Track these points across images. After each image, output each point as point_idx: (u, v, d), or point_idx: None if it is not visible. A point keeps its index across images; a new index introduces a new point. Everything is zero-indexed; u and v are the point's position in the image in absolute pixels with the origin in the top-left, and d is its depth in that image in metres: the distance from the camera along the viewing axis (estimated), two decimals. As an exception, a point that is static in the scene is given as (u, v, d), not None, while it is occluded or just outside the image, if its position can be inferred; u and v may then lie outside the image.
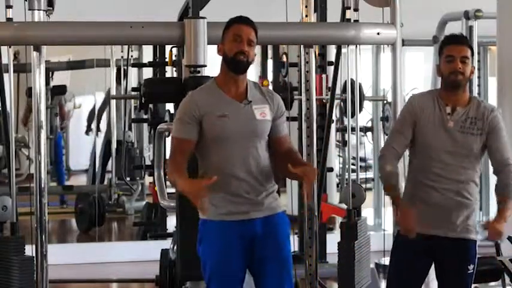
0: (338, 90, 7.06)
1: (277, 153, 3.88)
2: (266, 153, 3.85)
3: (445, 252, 4.02)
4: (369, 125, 9.82)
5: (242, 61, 3.76)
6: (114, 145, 10.04)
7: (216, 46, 3.89)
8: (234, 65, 3.77)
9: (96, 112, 10.48)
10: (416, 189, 4.05)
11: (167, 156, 5.42)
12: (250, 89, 3.86)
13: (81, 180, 11.44)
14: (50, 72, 10.33)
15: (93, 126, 10.62)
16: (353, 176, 5.11)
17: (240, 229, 3.79)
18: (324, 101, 6.96)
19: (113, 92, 9.91)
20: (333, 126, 8.44)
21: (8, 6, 4.55)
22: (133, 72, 9.74)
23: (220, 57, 3.84)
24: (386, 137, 4.16)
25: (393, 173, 4.04)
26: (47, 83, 9.68)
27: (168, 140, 5.29)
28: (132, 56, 9.41)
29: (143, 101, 4.89)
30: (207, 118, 3.76)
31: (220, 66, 3.86)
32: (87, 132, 10.74)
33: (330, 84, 6.86)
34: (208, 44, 4.59)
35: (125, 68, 9.24)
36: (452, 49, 4.00)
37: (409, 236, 3.95)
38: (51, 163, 10.39)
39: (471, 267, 4.03)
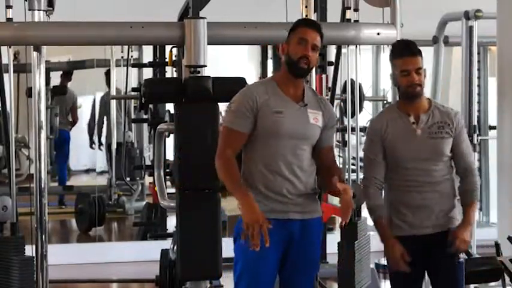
0: (338, 90, 7.06)
1: (322, 163, 3.90)
2: (311, 158, 3.87)
3: (436, 247, 4.09)
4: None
5: (303, 68, 3.80)
6: (114, 145, 10.04)
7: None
8: (296, 69, 3.81)
9: (96, 125, 10.50)
10: (397, 196, 4.13)
11: (167, 157, 5.44)
12: (306, 92, 3.89)
13: (81, 180, 11.45)
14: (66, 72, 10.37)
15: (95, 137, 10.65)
16: (353, 176, 5.11)
17: (278, 228, 3.75)
18: (324, 101, 6.95)
19: (113, 92, 9.91)
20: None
21: (8, 6, 4.55)
22: (133, 72, 9.74)
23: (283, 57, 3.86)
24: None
25: (377, 205, 4.17)
26: (47, 83, 9.67)
27: (168, 140, 5.30)
28: (132, 56, 9.41)
29: (143, 101, 4.89)
30: (262, 112, 3.77)
31: (281, 66, 3.88)
32: (91, 146, 10.74)
33: (330, 84, 6.86)
34: (208, 44, 4.59)
35: (125, 67, 9.24)
36: (406, 62, 4.03)
37: (399, 269, 4.05)
38: (51, 163, 10.39)
39: (462, 255, 4.12)
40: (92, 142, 10.71)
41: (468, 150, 4.18)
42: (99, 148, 10.56)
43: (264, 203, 3.76)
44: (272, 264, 3.81)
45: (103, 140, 10.46)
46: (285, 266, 3.86)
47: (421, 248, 4.10)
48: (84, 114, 10.92)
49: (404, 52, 4.04)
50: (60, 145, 10.60)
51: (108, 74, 10.03)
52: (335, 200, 8.88)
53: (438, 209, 4.10)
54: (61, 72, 10.58)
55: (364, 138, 4.35)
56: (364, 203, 4.25)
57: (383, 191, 4.21)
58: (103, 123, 10.40)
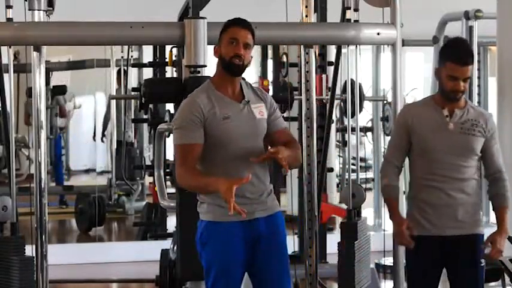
0: (338, 90, 7.05)
1: (276, 142, 3.89)
2: (264, 152, 3.86)
3: (458, 249, 4.08)
4: (369, 125, 9.83)
5: (238, 65, 3.79)
6: (114, 145, 10.05)
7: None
8: (230, 68, 3.81)
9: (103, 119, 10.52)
10: (421, 192, 4.11)
11: (167, 157, 5.44)
12: (244, 88, 3.90)
13: (81, 180, 11.45)
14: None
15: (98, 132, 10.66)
16: (353, 176, 5.11)
17: (246, 229, 3.81)
18: (324, 101, 6.96)
19: (113, 92, 9.92)
20: (333, 126, 8.44)
21: (8, 6, 4.54)
22: (133, 72, 9.75)
23: (216, 59, 3.86)
24: (387, 139, 4.23)
25: (391, 185, 4.17)
26: (47, 83, 9.68)
27: (168, 140, 5.30)
28: (132, 56, 9.41)
29: (143, 101, 4.89)
30: (210, 121, 3.77)
31: (216, 68, 3.89)
32: (102, 139, 10.74)
33: (330, 84, 6.86)
34: (208, 44, 4.59)
35: (125, 68, 9.24)
36: (456, 70, 4.01)
37: (404, 243, 4.07)
38: (51, 163, 10.40)
39: (483, 260, 4.11)
40: (103, 135, 10.70)
41: (498, 153, 4.15)
42: (102, 140, 10.56)
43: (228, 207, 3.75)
44: (242, 264, 3.84)
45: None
46: (258, 264, 3.86)
47: (442, 248, 4.07)
48: (84, 114, 10.92)
49: (458, 60, 4.00)
50: (53, 146, 10.60)
51: (119, 73, 10.00)
52: (335, 200, 8.91)
53: (463, 210, 4.06)
54: (59, 72, 10.58)
55: (364, 138, 4.36)
56: (380, 182, 4.27)
57: (404, 183, 4.22)
58: (109, 119, 10.40)
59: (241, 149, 3.79)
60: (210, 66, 4.62)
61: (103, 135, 10.61)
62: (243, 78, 3.96)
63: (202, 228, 3.86)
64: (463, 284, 4.11)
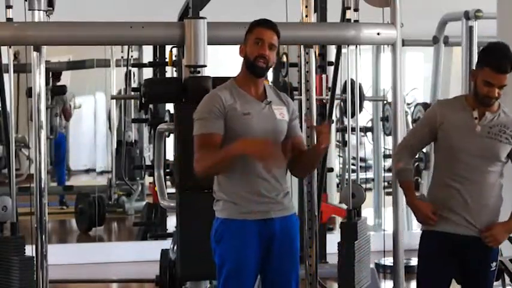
0: (338, 90, 7.06)
1: (295, 149, 3.95)
2: (283, 154, 3.90)
3: (470, 251, 4.06)
4: (369, 125, 9.83)
5: (262, 66, 3.84)
6: (114, 145, 10.05)
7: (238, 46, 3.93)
8: (254, 68, 3.84)
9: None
10: (442, 191, 4.09)
11: (167, 157, 5.44)
12: (268, 90, 3.95)
13: (81, 180, 11.46)
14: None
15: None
16: (353, 176, 5.11)
17: (261, 228, 3.83)
18: (324, 101, 6.97)
19: (113, 92, 9.92)
20: (333, 126, 8.45)
21: (8, 6, 4.54)
22: (133, 72, 9.74)
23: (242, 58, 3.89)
24: (387, 139, 4.21)
25: (407, 169, 4.17)
26: (47, 83, 9.68)
27: (168, 140, 5.30)
28: (132, 56, 9.42)
29: (143, 101, 4.88)
30: (231, 115, 3.80)
31: (241, 67, 3.92)
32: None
33: (330, 84, 6.86)
34: (208, 44, 4.58)
35: (130, 68, 9.25)
36: (494, 77, 3.95)
37: (430, 224, 4.05)
38: (51, 163, 10.40)
39: (494, 264, 4.10)
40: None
41: None
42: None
43: (244, 205, 3.81)
44: (256, 263, 3.85)
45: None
46: (271, 263, 3.88)
47: (456, 247, 4.06)
48: (84, 114, 10.92)
49: (498, 68, 3.93)
50: (56, 146, 10.58)
51: (127, 74, 9.99)
52: (335, 200, 8.90)
53: (481, 213, 4.03)
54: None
55: (364, 138, 4.37)
56: (394, 166, 4.24)
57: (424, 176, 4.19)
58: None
59: None
60: (210, 66, 4.63)
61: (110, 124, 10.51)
62: (267, 81, 3.99)
63: (218, 225, 3.86)
64: (474, 283, 4.11)
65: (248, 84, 3.89)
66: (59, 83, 10.53)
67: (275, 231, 3.86)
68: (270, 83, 8.31)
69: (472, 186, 4.03)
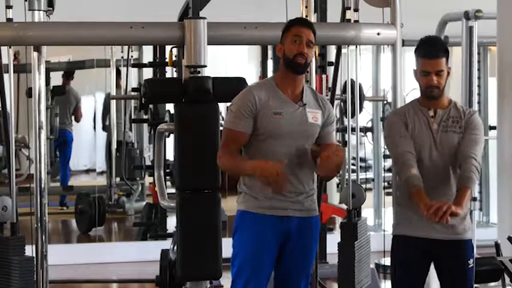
0: (338, 91, 7.05)
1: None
2: (310, 157, 3.93)
3: (445, 253, 4.07)
4: (369, 125, 9.82)
5: (300, 63, 3.88)
6: (114, 145, 10.04)
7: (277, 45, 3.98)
8: (293, 66, 3.89)
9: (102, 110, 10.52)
10: (407, 195, 4.04)
11: (167, 157, 5.44)
12: (305, 92, 3.97)
13: (81, 180, 11.44)
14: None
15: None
16: (353, 176, 5.11)
17: (277, 224, 3.87)
18: (324, 101, 6.95)
19: (113, 92, 9.92)
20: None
21: (8, 7, 4.54)
22: (133, 72, 9.74)
23: (280, 57, 3.94)
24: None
25: (414, 176, 3.96)
26: (47, 83, 9.67)
27: (168, 141, 5.30)
28: (132, 57, 9.41)
29: (143, 102, 4.88)
30: (262, 114, 3.85)
31: (280, 66, 3.97)
32: (103, 128, 10.72)
33: (330, 85, 6.85)
34: (208, 44, 4.58)
35: (125, 68, 9.24)
36: (427, 64, 4.01)
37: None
38: (51, 163, 10.38)
39: (471, 261, 4.09)
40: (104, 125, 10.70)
41: (471, 143, 4.01)
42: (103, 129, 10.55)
43: (264, 200, 3.86)
44: (271, 259, 3.88)
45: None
46: (282, 261, 3.92)
47: (430, 251, 4.06)
48: (84, 114, 10.90)
49: (427, 53, 4.02)
50: (63, 145, 10.58)
51: (118, 74, 9.99)
52: (335, 200, 8.90)
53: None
54: (62, 72, 10.57)
55: (364, 138, 4.35)
56: (404, 173, 4.00)
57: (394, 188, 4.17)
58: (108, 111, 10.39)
59: (287, 147, 3.87)
60: (210, 66, 4.63)
61: (103, 124, 10.57)
62: (307, 82, 3.99)
63: (236, 217, 3.94)
64: (452, 285, 4.10)
65: (286, 83, 3.93)
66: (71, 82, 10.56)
67: (291, 230, 3.89)
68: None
69: (437, 185, 4.00)
